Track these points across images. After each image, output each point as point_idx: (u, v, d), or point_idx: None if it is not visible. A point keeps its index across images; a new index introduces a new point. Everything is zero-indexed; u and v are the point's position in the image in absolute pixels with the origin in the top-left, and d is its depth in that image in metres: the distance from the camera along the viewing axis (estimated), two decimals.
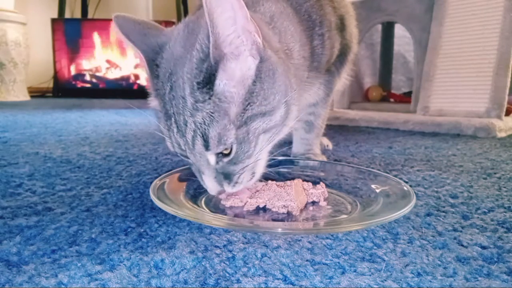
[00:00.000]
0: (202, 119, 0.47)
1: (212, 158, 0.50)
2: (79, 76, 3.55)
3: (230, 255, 0.42)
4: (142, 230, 0.48)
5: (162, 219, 0.52)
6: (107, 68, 3.57)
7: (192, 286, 0.36)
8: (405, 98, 2.02)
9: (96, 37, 3.48)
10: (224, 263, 0.40)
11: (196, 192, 0.61)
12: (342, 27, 0.77)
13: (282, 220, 0.53)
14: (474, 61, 1.47)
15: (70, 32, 3.45)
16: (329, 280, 0.37)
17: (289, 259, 0.41)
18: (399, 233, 0.48)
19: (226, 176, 0.52)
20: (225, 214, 0.55)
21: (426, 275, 0.38)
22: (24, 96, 3.15)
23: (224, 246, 0.44)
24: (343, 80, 0.91)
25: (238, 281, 0.37)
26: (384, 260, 0.41)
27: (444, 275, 0.38)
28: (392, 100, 2.14)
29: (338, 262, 0.40)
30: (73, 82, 3.55)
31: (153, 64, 0.53)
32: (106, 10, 3.97)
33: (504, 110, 1.41)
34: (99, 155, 0.95)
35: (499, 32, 1.41)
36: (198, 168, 0.53)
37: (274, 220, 0.53)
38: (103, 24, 3.49)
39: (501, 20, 1.40)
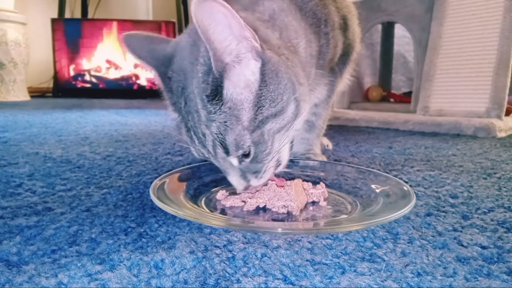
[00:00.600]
0: (218, 129, 0.49)
1: (234, 161, 0.53)
2: (79, 76, 3.55)
3: (230, 255, 0.42)
4: (142, 230, 0.48)
5: (162, 219, 0.52)
6: (107, 68, 3.57)
7: (192, 286, 0.36)
8: (405, 98, 2.02)
9: (96, 37, 3.48)
10: (224, 263, 0.40)
11: (196, 192, 0.62)
12: (345, 27, 0.77)
13: (282, 220, 0.53)
14: (474, 61, 1.47)
15: (70, 32, 3.45)
16: (329, 280, 0.37)
17: (289, 259, 0.41)
18: (399, 233, 0.48)
19: (253, 171, 0.55)
20: (225, 214, 0.55)
21: (426, 275, 0.38)
22: (24, 96, 3.14)
23: (224, 246, 0.44)
24: (345, 80, 0.91)
25: (238, 281, 0.37)
26: (384, 260, 0.41)
27: (444, 275, 0.38)
28: (392, 100, 2.14)
29: (338, 262, 0.40)
30: (73, 82, 3.55)
31: (165, 77, 0.55)
32: (106, 10, 3.98)
33: (504, 110, 1.41)
34: (99, 155, 0.95)
35: (499, 32, 1.41)
36: (225, 170, 0.55)
37: (274, 220, 0.53)
38: (103, 24, 3.49)
39: (501, 20, 1.40)
